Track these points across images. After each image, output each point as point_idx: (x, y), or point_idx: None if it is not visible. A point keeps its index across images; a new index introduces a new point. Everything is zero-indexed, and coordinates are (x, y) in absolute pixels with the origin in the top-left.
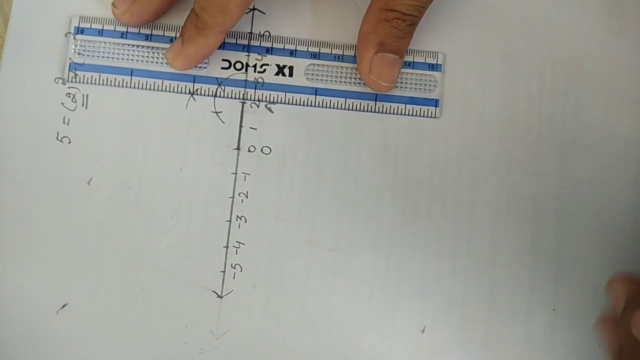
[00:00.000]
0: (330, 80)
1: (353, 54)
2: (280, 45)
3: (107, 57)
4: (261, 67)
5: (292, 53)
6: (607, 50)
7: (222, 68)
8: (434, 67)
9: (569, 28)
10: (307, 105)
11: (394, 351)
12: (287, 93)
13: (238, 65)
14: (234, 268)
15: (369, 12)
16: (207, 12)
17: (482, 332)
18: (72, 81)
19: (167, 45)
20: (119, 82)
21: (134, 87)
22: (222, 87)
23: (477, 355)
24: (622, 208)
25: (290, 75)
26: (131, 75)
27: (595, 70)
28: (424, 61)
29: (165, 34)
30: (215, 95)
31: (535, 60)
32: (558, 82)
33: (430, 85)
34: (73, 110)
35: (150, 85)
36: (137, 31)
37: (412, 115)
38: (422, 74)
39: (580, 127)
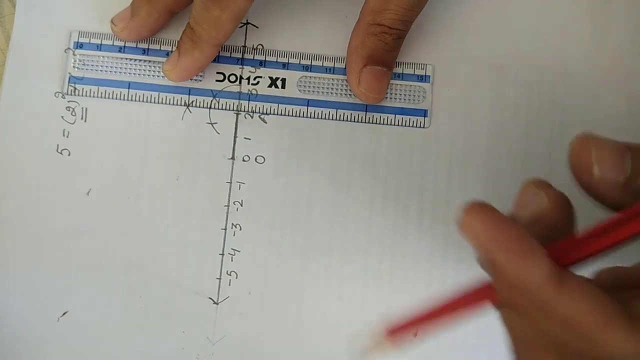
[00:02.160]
0: (322, 92)
1: (343, 66)
2: (273, 58)
3: (106, 71)
4: (254, 79)
5: (285, 66)
6: (592, 58)
7: (217, 80)
8: (422, 78)
9: (555, 37)
10: (300, 116)
11: (388, 356)
12: (280, 104)
13: (232, 78)
14: (230, 275)
15: (357, 26)
16: (201, 25)
17: (473, 335)
18: (71, 94)
19: (164, 59)
20: (116, 94)
21: (132, 100)
22: (217, 99)
23: (469, 358)
24: (612, 213)
25: (283, 87)
26: (129, 88)
27: (581, 78)
28: (413, 73)
29: (161, 48)
30: (210, 107)
31: (522, 69)
32: (544, 89)
33: (419, 96)
34: (73, 124)
35: (147, 97)
36: (135, 45)
37: (402, 125)
38: (411, 85)
39: (567, 134)
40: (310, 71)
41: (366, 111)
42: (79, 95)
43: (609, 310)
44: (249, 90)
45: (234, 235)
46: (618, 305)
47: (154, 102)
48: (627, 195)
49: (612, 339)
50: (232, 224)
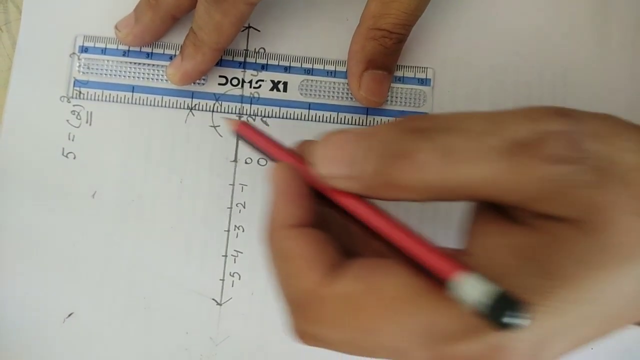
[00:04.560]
0: (323, 95)
1: (345, 70)
2: (275, 62)
3: (110, 75)
4: (257, 82)
5: (287, 69)
6: (592, 59)
7: (219, 84)
8: (423, 81)
9: (555, 38)
10: (301, 119)
11: None
12: (281, 107)
13: (234, 81)
14: (233, 276)
15: (358, 31)
16: (203, 30)
17: None
18: (76, 98)
19: (167, 63)
20: (120, 98)
21: (136, 103)
22: (220, 102)
23: None
24: None
25: (285, 90)
26: (132, 91)
27: (581, 79)
28: (413, 76)
29: (165, 52)
30: (213, 110)
31: (523, 70)
32: (545, 91)
33: (419, 99)
34: (78, 127)
35: (151, 101)
36: (139, 49)
37: None
38: (412, 89)
39: None
40: (312, 75)
41: (367, 114)
42: (83, 98)
43: (318, 258)
44: (251, 93)
45: (236, 237)
46: (328, 256)
47: (158, 106)
48: (360, 188)
49: (308, 276)
50: (235, 225)
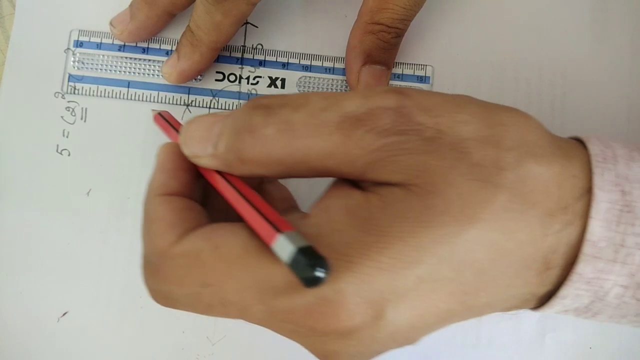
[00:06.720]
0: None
1: (343, 67)
2: (273, 58)
3: (105, 70)
4: (254, 79)
5: (284, 65)
6: (591, 56)
7: (217, 80)
8: (422, 79)
9: (555, 36)
10: None
11: (388, 353)
12: None
13: (232, 78)
14: None
15: (356, 26)
16: (202, 29)
17: (473, 334)
18: (71, 93)
19: (164, 58)
20: (116, 93)
21: (131, 99)
22: (217, 98)
23: (468, 357)
24: None
25: (283, 87)
26: (128, 87)
27: (581, 77)
28: (412, 73)
29: (161, 47)
30: (210, 107)
31: (522, 67)
32: (544, 88)
33: None
34: (72, 124)
35: (147, 97)
36: (135, 44)
37: None
38: (411, 86)
39: (566, 133)
40: (310, 71)
41: None
42: (78, 94)
43: (178, 222)
44: (248, 90)
45: None
46: (188, 221)
47: (154, 102)
48: (220, 165)
49: (164, 237)
50: None
